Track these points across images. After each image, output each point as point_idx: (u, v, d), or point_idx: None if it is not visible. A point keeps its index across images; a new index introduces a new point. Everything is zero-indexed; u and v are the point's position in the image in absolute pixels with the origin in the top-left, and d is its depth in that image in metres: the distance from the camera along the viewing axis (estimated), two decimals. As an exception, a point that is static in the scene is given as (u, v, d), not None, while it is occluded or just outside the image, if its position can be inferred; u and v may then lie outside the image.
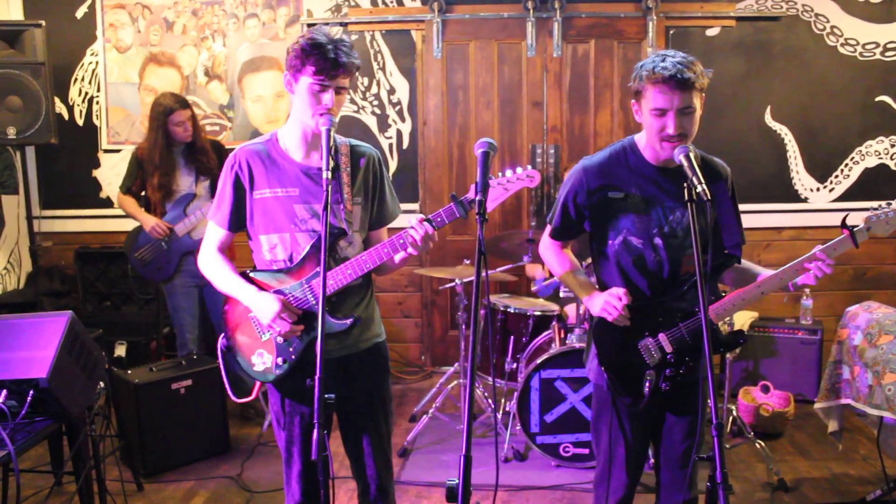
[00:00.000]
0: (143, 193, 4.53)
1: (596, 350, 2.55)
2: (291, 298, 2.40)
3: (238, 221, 2.49)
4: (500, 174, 2.29)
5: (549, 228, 2.64)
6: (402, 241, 2.29)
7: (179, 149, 4.42)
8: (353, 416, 2.55)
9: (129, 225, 4.63)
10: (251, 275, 2.47)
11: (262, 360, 2.48)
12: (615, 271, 2.50)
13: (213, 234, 2.54)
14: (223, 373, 2.59)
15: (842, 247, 2.39)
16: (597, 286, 2.61)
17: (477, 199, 2.01)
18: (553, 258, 2.67)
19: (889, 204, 2.40)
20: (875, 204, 2.46)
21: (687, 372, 2.47)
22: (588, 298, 2.55)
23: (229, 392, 2.63)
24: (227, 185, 2.45)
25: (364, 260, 2.35)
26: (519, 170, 2.27)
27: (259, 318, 2.40)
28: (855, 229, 2.38)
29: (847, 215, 2.46)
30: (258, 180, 2.42)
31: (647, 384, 2.46)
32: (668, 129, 2.27)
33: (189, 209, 4.42)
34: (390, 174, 5.58)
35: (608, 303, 2.43)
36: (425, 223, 2.24)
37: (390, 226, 2.58)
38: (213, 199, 4.18)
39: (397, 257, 2.39)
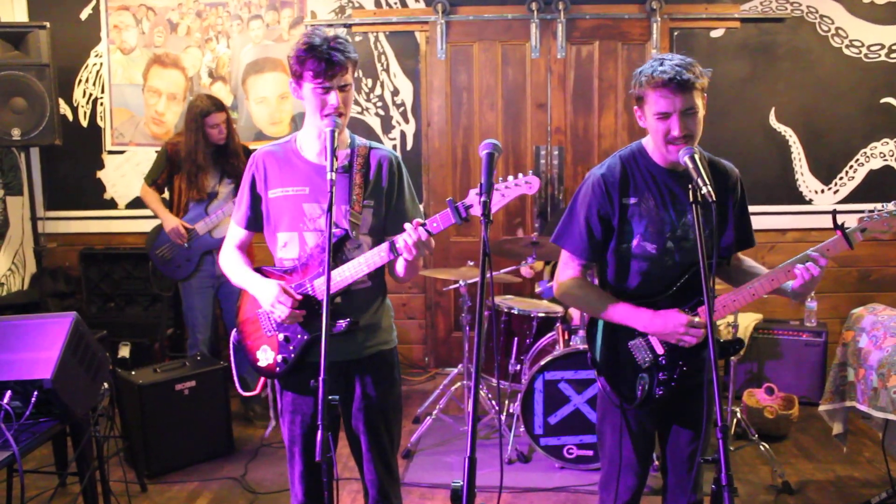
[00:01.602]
0: (164, 191, 4.60)
1: (589, 352, 2.54)
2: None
3: (256, 222, 2.55)
4: (499, 179, 2.24)
5: (574, 262, 2.51)
6: (397, 247, 2.28)
7: (210, 150, 4.46)
8: (353, 420, 2.54)
9: (133, 226, 4.65)
10: (261, 268, 2.53)
11: (266, 357, 2.50)
12: (628, 275, 2.47)
13: (233, 232, 2.62)
14: (233, 366, 2.64)
15: (835, 248, 2.35)
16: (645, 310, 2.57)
17: (482, 200, 2.01)
18: (585, 293, 2.51)
19: (884, 206, 2.35)
20: (871, 206, 2.41)
21: (682, 377, 2.44)
22: (646, 322, 2.41)
23: (236, 385, 2.67)
24: (245, 186, 2.53)
25: (360, 263, 2.35)
26: (520, 175, 2.23)
27: (262, 303, 2.44)
28: (847, 230, 2.33)
29: (835, 213, 2.40)
30: (272, 180, 2.47)
31: (641, 387, 2.45)
32: (674, 131, 2.26)
33: (210, 208, 4.46)
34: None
35: (690, 331, 2.35)
36: (419, 228, 2.22)
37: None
38: (234, 199, 4.23)
39: (399, 266, 2.38)
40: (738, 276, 2.55)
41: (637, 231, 2.42)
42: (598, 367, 2.53)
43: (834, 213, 2.39)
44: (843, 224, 2.35)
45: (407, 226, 2.24)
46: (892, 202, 2.37)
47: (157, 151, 4.87)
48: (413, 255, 2.25)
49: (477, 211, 2.16)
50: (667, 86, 2.23)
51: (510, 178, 2.23)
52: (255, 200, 2.51)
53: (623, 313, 2.43)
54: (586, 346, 3.84)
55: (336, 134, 2.27)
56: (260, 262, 2.62)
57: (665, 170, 2.42)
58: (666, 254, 2.42)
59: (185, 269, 4.51)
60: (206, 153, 4.43)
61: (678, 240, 2.42)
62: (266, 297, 2.40)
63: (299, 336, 2.44)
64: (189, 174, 4.44)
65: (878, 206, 2.36)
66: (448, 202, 2.22)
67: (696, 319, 2.35)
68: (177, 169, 4.52)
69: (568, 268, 2.54)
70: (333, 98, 2.29)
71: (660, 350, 2.43)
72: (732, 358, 4.31)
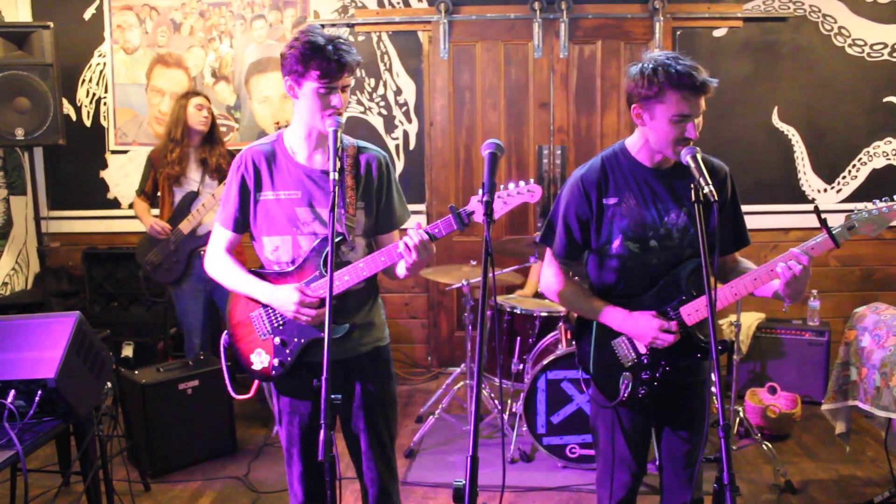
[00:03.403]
0: (158, 194, 4.59)
1: (576, 349, 2.55)
2: None
3: (244, 223, 2.48)
4: (501, 187, 2.23)
5: (553, 262, 2.54)
6: (398, 251, 2.28)
7: (195, 144, 4.47)
8: (352, 418, 2.54)
9: (136, 226, 4.65)
10: (253, 271, 2.49)
11: (261, 360, 2.48)
12: (612, 275, 2.47)
13: (219, 235, 2.53)
14: (224, 369, 2.60)
15: (820, 247, 2.25)
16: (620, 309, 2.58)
17: (484, 199, 2.01)
18: (566, 290, 2.53)
19: (875, 202, 2.25)
20: (861, 205, 2.31)
21: (665, 377, 2.43)
22: (620, 320, 2.43)
23: (229, 388, 2.64)
24: (232, 186, 2.45)
25: (361, 267, 2.35)
26: (522, 183, 2.22)
27: (282, 310, 2.39)
28: (834, 229, 2.24)
29: (817, 210, 2.28)
30: (263, 182, 2.43)
31: (624, 385, 2.44)
32: (690, 133, 2.23)
33: (192, 206, 4.43)
34: (396, 175, 5.59)
35: (657, 338, 2.37)
36: (421, 231, 2.23)
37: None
38: (212, 192, 4.09)
39: (400, 269, 2.38)
40: (734, 274, 2.49)
41: (618, 231, 2.41)
42: (584, 365, 2.54)
43: (817, 210, 2.27)
44: (825, 220, 2.24)
45: (411, 230, 2.24)
46: (882, 199, 2.26)
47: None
48: (413, 259, 2.26)
49: (479, 217, 2.16)
50: (691, 89, 2.19)
51: (511, 185, 2.23)
52: (244, 201, 2.45)
53: (600, 311, 2.47)
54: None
55: (339, 133, 2.25)
56: (250, 261, 2.61)
57: (649, 169, 2.41)
58: (649, 253, 2.41)
59: (174, 271, 4.47)
60: (185, 133, 4.44)
61: (661, 238, 2.40)
62: (287, 305, 2.35)
63: (296, 339, 2.43)
64: (166, 150, 4.45)
65: (868, 203, 2.27)
66: (450, 209, 2.22)
67: (669, 324, 2.36)
68: (159, 172, 4.53)
69: (550, 265, 2.57)
70: (337, 99, 2.28)
71: (642, 349, 2.43)
72: (735, 357, 4.30)
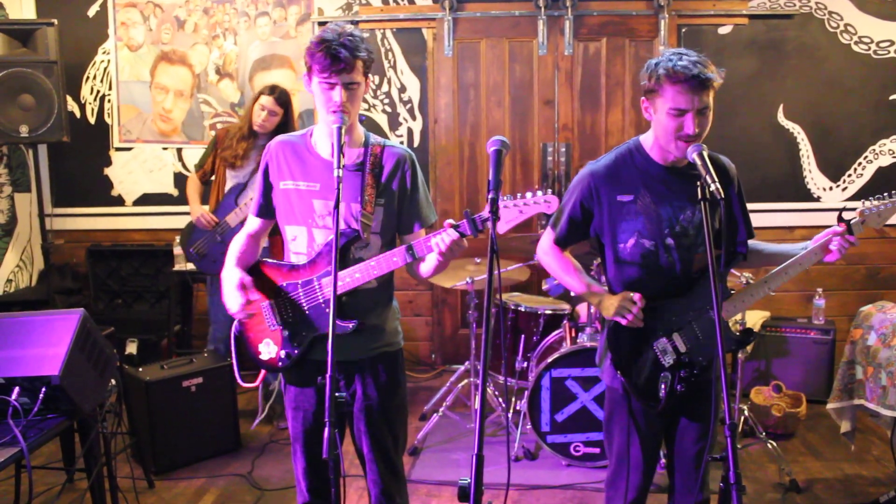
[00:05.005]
0: (213, 178, 4.62)
1: (610, 353, 2.53)
2: (302, 293, 2.43)
3: (268, 210, 2.56)
4: (518, 195, 2.23)
5: (551, 234, 2.59)
6: (429, 243, 2.27)
7: (262, 141, 4.39)
8: (355, 420, 2.54)
9: (140, 223, 4.65)
10: (266, 261, 2.55)
11: (269, 350, 2.51)
12: (627, 273, 2.47)
13: (249, 221, 2.65)
14: (233, 357, 2.64)
15: None
16: (605, 288, 2.59)
17: (489, 197, 2.00)
18: (554, 262, 2.61)
19: (881, 197, 2.42)
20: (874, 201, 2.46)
21: (700, 372, 2.45)
22: (598, 301, 2.53)
23: (237, 377, 2.66)
24: (260, 174, 2.55)
25: (372, 266, 2.34)
26: (539, 193, 2.22)
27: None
28: (851, 221, 2.38)
29: (842, 210, 2.47)
30: (284, 171, 2.47)
31: (664, 386, 2.44)
32: (688, 129, 2.25)
33: (239, 199, 4.43)
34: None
35: (622, 307, 2.42)
36: (452, 230, 2.22)
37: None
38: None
39: (427, 266, 2.39)
40: (752, 257, 2.58)
41: (634, 228, 2.42)
42: (620, 370, 2.51)
43: (841, 210, 2.44)
44: (849, 220, 2.39)
45: (449, 230, 2.23)
46: (886, 194, 2.43)
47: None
48: (445, 256, 2.26)
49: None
50: (688, 82, 2.21)
51: (529, 194, 2.23)
52: (268, 189, 2.52)
53: (582, 289, 2.59)
54: (594, 344, 3.88)
55: (343, 131, 2.25)
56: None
57: (662, 166, 2.42)
58: (665, 250, 2.42)
59: (220, 262, 4.47)
60: (249, 127, 4.42)
61: (677, 236, 2.41)
62: (226, 286, 2.49)
63: (304, 333, 2.44)
64: (232, 135, 4.47)
65: (874, 198, 2.43)
66: (465, 214, 2.22)
67: (633, 295, 2.43)
68: (219, 153, 4.54)
69: (547, 237, 2.62)
70: (336, 94, 2.27)
71: (683, 348, 2.44)
72: (740, 355, 4.29)
